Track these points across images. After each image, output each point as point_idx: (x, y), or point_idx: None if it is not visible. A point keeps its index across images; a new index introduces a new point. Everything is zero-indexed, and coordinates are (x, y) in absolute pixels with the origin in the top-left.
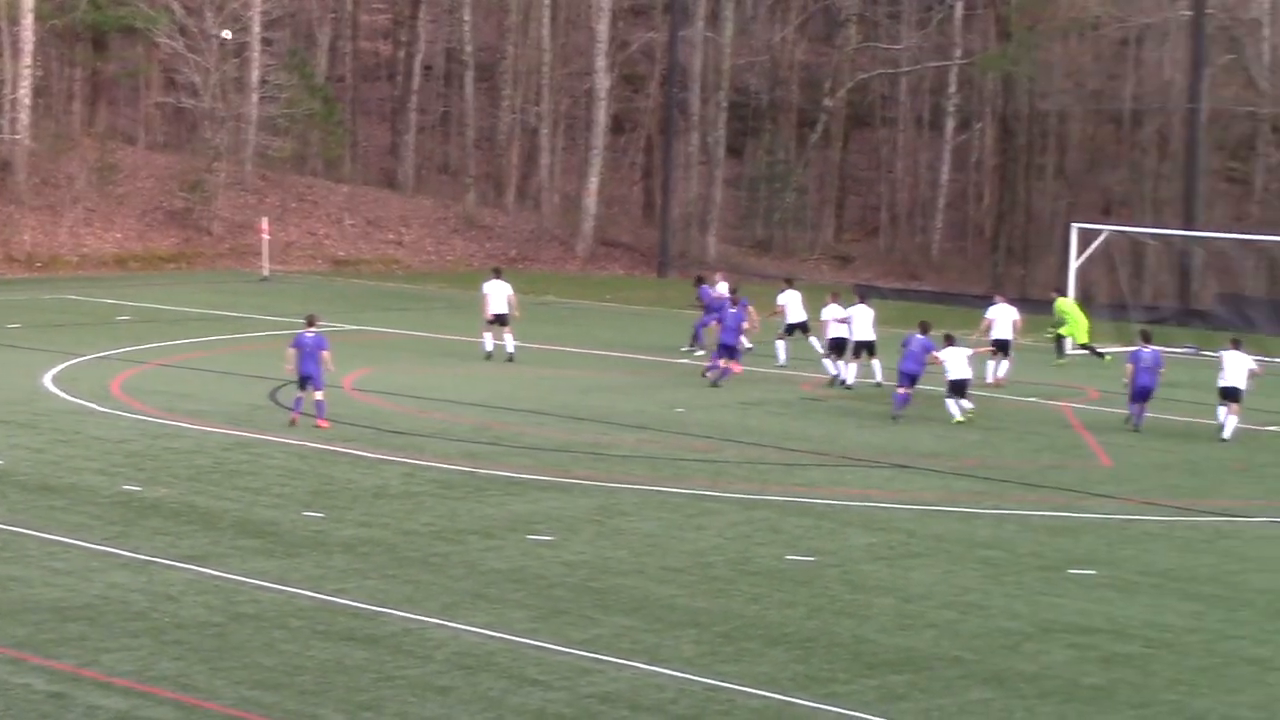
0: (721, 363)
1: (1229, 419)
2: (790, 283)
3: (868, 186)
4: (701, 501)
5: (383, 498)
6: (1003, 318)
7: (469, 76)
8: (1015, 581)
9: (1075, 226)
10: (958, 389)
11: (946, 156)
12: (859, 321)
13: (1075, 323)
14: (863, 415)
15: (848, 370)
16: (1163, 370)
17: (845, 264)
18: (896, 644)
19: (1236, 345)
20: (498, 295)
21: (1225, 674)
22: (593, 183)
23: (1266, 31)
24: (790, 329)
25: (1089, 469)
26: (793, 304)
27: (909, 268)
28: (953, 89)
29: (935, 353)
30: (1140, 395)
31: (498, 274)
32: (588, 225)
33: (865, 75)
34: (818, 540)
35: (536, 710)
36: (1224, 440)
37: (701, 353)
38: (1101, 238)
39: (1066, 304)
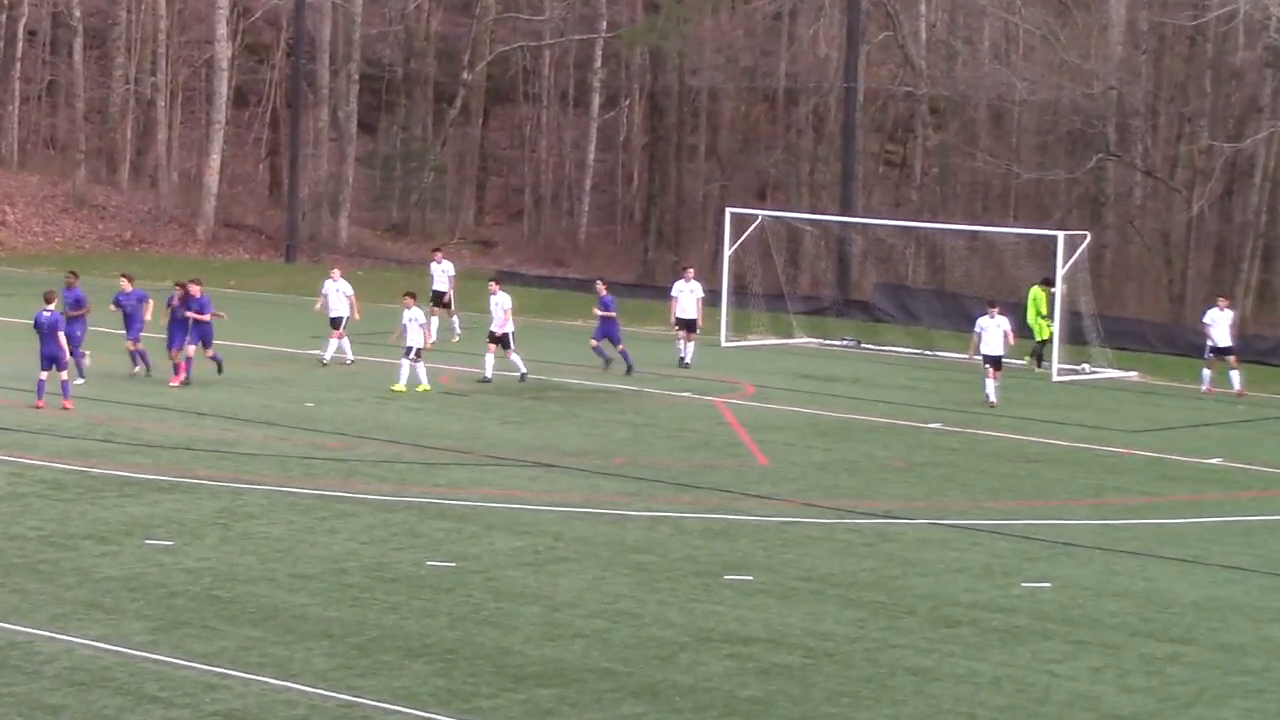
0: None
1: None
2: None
3: (510, 166)
4: (335, 503)
5: None
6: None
7: (78, 43)
8: (669, 588)
9: (729, 211)
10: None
11: (593, 135)
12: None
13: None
14: (505, 411)
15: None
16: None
17: (487, 249)
18: (544, 655)
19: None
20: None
21: (888, 685)
22: (214, 160)
23: (923, 8)
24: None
25: (745, 468)
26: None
27: (555, 253)
28: (599, 63)
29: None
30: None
31: None
32: (209, 205)
33: (506, 48)
34: (460, 545)
35: None
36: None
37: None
38: (756, 223)
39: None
